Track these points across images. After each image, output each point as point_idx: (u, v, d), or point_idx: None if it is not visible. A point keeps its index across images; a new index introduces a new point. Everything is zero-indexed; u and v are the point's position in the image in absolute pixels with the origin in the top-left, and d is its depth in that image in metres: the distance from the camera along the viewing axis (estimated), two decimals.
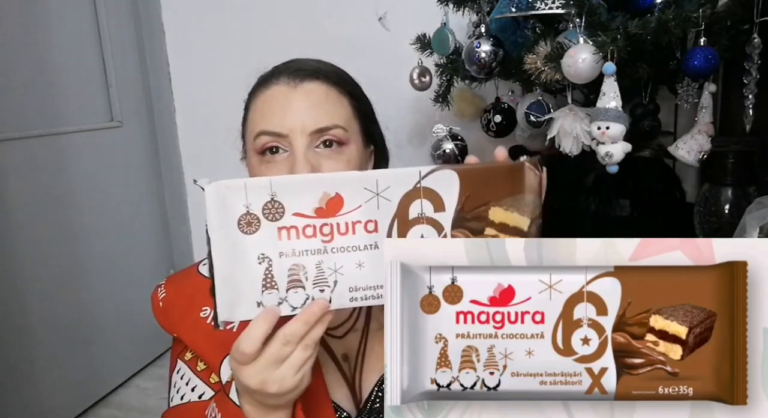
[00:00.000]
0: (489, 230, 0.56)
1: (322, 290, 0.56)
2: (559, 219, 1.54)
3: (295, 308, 0.55)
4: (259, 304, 0.55)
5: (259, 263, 0.55)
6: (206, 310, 0.76)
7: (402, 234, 0.56)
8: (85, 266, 1.99)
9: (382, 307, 0.77)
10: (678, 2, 1.08)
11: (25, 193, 1.77)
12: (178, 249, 2.42)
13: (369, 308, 0.80)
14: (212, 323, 0.73)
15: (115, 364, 2.11)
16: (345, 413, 0.75)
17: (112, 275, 2.09)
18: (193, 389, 0.76)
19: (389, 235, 0.56)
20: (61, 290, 1.90)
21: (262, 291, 0.55)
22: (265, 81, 0.74)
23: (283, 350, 0.55)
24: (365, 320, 0.80)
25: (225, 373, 0.73)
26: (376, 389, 0.77)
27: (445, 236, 0.56)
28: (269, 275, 0.55)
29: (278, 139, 0.70)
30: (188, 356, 0.78)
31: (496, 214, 0.56)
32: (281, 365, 0.55)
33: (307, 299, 0.55)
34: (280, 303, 0.55)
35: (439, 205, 0.56)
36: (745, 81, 1.09)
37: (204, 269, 0.80)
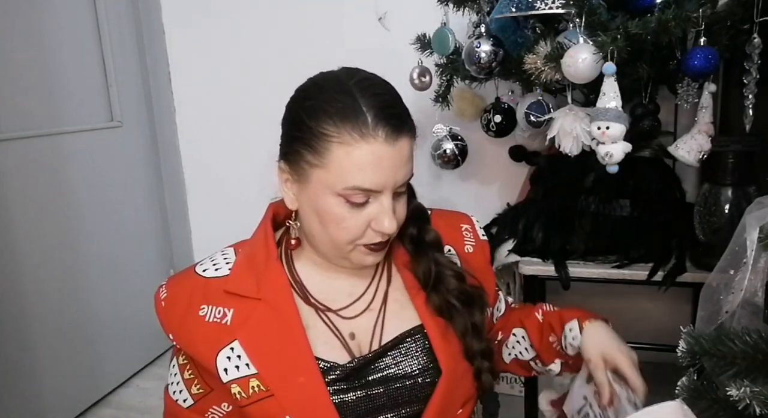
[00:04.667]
0: None
1: None
2: (559, 219, 1.55)
3: None
4: None
5: None
6: (204, 308, 0.78)
7: None
8: (85, 265, 1.98)
9: (398, 287, 0.84)
10: (678, 2, 1.08)
11: (25, 193, 1.77)
12: (178, 249, 2.42)
13: (386, 288, 0.84)
14: (209, 320, 0.78)
15: (115, 364, 2.11)
16: (330, 363, 0.77)
17: (112, 274, 2.09)
18: (180, 392, 0.82)
19: None
20: (61, 290, 1.89)
21: None
22: (358, 128, 0.69)
23: None
24: (382, 301, 0.82)
25: (222, 359, 0.76)
26: (381, 347, 0.80)
27: None
28: None
29: (370, 193, 0.72)
30: (181, 359, 0.82)
31: None
32: None
33: None
34: None
35: None
36: (745, 81, 1.09)
37: (200, 269, 0.83)
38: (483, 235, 0.93)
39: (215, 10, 2.18)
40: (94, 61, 2.05)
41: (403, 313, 0.82)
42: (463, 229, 0.92)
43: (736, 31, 1.09)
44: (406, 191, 0.79)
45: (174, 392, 0.82)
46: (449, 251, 0.88)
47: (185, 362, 0.82)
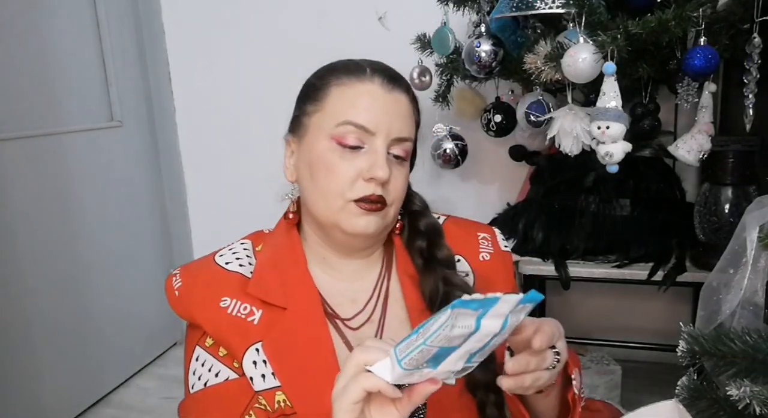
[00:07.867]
0: None
1: None
2: (559, 219, 1.55)
3: None
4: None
5: None
6: (226, 300, 0.74)
7: None
8: (86, 265, 1.98)
9: (398, 300, 0.80)
10: (678, 2, 1.08)
11: (25, 193, 1.77)
12: (178, 249, 2.42)
13: (385, 299, 0.80)
14: (232, 314, 0.74)
15: (115, 364, 2.11)
16: None
17: (112, 274, 2.09)
18: (216, 375, 0.74)
19: None
20: (61, 290, 1.89)
21: None
22: (356, 73, 0.74)
23: None
24: (381, 312, 0.79)
25: (248, 363, 0.72)
26: None
27: None
28: None
29: (363, 134, 0.71)
30: (209, 342, 0.76)
31: None
32: None
33: None
34: None
35: None
36: (745, 81, 1.09)
37: (221, 260, 0.78)
38: (506, 246, 0.86)
39: (215, 11, 2.18)
40: (94, 61, 2.05)
41: (401, 331, 0.76)
42: (480, 237, 0.85)
43: (736, 31, 1.09)
44: (407, 165, 0.76)
45: (206, 382, 0.73)
46: (458, 260, 0.81)
47: (214, 342, 0.75)
